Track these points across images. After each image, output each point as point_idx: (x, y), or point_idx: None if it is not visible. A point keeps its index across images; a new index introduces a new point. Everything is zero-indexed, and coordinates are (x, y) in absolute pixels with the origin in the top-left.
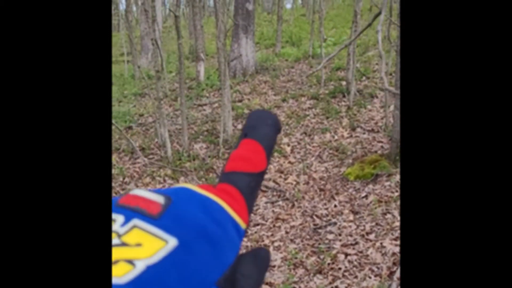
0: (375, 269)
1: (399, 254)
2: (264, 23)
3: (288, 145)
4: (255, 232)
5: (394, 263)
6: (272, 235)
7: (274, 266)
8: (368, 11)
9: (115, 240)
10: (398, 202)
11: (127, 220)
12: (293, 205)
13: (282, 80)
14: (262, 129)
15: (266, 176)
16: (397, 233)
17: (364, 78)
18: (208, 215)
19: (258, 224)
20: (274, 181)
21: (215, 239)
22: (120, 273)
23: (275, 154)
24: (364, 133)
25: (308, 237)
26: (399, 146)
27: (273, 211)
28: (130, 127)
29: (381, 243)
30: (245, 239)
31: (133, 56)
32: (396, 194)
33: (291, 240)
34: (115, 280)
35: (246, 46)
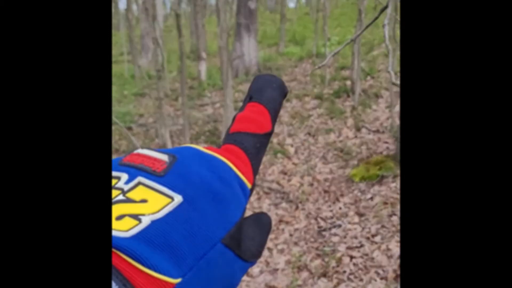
0: (381, 272)
1: None
2: (267, 22)
3: (292, 146)
4: None
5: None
6: (275, 237)
7: (277, 269)
8: (373, 10)
9: (120, 197)
10: None
11: (132, 177)
12: (297, 207)
13: (285, 79)
14: (267, 92)
15: (269, 178)
16: None
17: (369, 77)
18: (213, 173)
19: None
20: (278, 183)
21: (220, 197)
22: (126, 227)
23: (278, 155)
24: (369, 134)
25: (312, 239)
26: None
27: (276, 213)
28: (130, 128)
29: (386, 246)
30: None
31: (133, 55)
32: None
33: (295, 243)
34: (120, 233)
35: (248, 45)
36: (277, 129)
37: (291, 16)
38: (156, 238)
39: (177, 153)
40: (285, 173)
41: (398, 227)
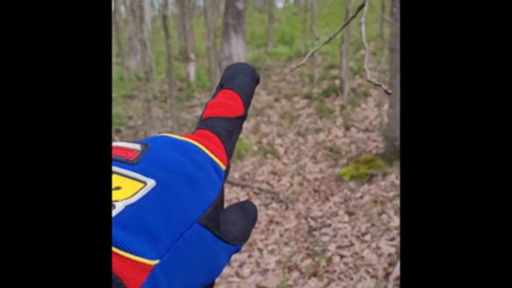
0: (371, 271)
1: (395, 255)
2: (255, 22)
3: (281, 146)
4: None
5: (390, 264)
6: (266, 238)
7: (268, 270)
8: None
9: None
10: (394, 202)
11: None
12: (287, 207)
13: (274, 79)
14: (239, 78)
15: (259, 178)
16: (393, 234)
17: (357, 76)
18: (186, 157)
19: None
20: (268, 183)
21: (194, 178)
22: None
23: (268, 155)
24: (358, 133)
25: (302, 239)
26: (394, 145)
27: (266, 213)
28: (119, 130)
29: (376, 244)
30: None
31: (121, 57)
32: (392, 194)
33: (285, 243)
34: None
35: (236, 45)
36: (266, 129)
37: (280, 16)
38: (131, 222)
39: (150, 142)
40: (275, 173)
41: (388, 226)
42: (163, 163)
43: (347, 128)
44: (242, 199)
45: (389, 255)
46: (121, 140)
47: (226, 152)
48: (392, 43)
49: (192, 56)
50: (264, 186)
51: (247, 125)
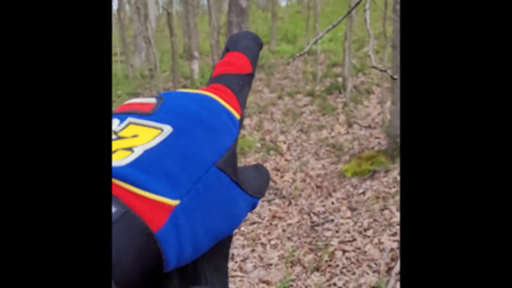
0: (373, 265)
1: (397, 250)
2: (259, 20)
3: (284, 143)
4: (252, 231)
5: (392, 259)
6: (269, 233)
7: (271, 265)
8: (363, 7)
9: (113, 137)
10: (396, 198)
11: (122, 120)
12: (290, 203)
13: (277, 77)
14: (244, 42)
15: None
16: (395, 229)
17: (360, 74)
18: (201, 106)
19: (254, 223)
20: (271, 179)
21: (210, 125)
22: (119, 157)
23: (271, 152)
24: (361, 130)
25: (305, 234)
26: (396, 141)
27: (269, 209)
28: None
29: (379, 239)
30: (241, 237)
31: (126, 55)
32: (394, 190)
33: (288, 238)
34: (115, 163)
35: None
36: (269, 126)
37: (283, 14)
38: (151, 165)
39: (164, 96)
40: (278, 170)
41: (390, 221)
42: (179, 111)
43: (350, 125)
44: None
45: (391, 250)
46: None
47: (239, 103)
48: (395, 40)
49: (196, 54)
50: None
51: (250, 122)
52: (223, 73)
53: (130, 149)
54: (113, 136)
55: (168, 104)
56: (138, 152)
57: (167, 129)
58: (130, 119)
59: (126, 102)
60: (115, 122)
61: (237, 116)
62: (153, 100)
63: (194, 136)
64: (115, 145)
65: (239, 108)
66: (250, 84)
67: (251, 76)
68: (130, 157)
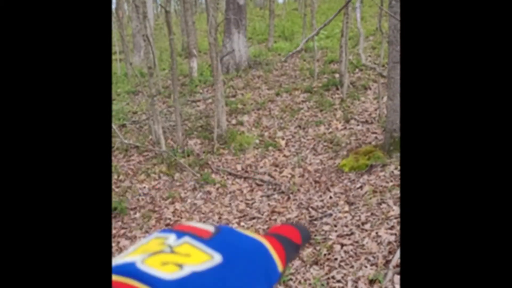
0: (371, 259)
1: (394, 243)
2: (256, 18)
3: (283, 139)
4: (251, 226)
5: (389, 252)
6: (268, 228)
7: None
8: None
9: (167, 249)
10: (393, 192)
11: (179, 237)
12: (288, 198)
13: (275, 74)
14: (300, 226)
15: (261, 170)
16: (392, 223)
17: (357, 70)
18: (251, 246)
19: (254, 218)
20: (269, 175)
21: (255, 267)
22: (169, 271)
23: (270, 148)
24: (358, 125)
25: None
26: (392, 136)
27: (268, 204)
28: (124, 125)
29: (376, 233)
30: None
31: (125, 54)
32: (391, 184)
33: None
34: (164, 275)
35: (238, 41)
36: (268, 122)
37: (280, 12)
38: (193, 287)
39: (222, 228)
40: (277, 165)
41: (387, 215)
42: (232, 245)
43: (347, 121)
44: (245, 190)
45: (389, 243)
46: (125, 135)
47: (286, 259)
48: (391, 36)
49: (194, 51)
50: (266, 177)
51: (248, 118)
52: (279, 233)
53: (180, 265)
54: (168, 249)
55: (224, 236)
56: (186, 270)
57: (218, 258)
58: (186, 238)
59: (187, 224)
60: (172, 237)
61: (280, 268)
62: (212, 229)
63: (239, 272)
64: (168, 258)
65: (285, 263)
66: (298, 252)
67: (298, 247)
68: (178, 274)
